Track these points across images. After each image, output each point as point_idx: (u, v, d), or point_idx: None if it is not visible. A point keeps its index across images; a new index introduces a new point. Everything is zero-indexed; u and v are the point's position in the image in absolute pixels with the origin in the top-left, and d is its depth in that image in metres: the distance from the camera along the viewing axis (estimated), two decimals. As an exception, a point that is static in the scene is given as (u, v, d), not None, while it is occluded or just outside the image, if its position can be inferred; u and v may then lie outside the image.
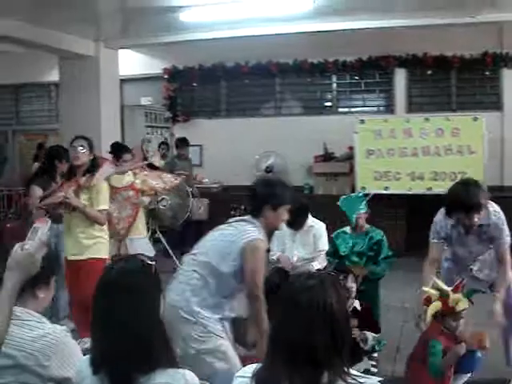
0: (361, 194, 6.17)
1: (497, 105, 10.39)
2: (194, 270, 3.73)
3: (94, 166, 5.36)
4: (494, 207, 4.45)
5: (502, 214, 4.43)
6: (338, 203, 6.17)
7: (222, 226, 3.97)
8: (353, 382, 1.95)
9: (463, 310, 4.03)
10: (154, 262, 2.34)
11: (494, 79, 10.46)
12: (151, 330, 2.18)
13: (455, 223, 4.39)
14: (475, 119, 9.30)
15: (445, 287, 4.52)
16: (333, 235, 6.06)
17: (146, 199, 7.57)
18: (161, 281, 2.35)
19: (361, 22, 9.46)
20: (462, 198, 4.17)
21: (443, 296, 4.47)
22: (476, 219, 4.18)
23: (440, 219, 4.55)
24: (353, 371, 2.00)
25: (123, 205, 7.00)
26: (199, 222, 9.59)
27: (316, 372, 1.92)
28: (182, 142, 10.27)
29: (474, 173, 9.15)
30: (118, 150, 7.37)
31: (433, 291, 4.61)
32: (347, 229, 6.02)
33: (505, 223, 4.42)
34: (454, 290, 4.51)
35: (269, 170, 10.93)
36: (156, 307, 2.26)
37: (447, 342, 4.23)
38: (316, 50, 10.67)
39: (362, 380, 1.97)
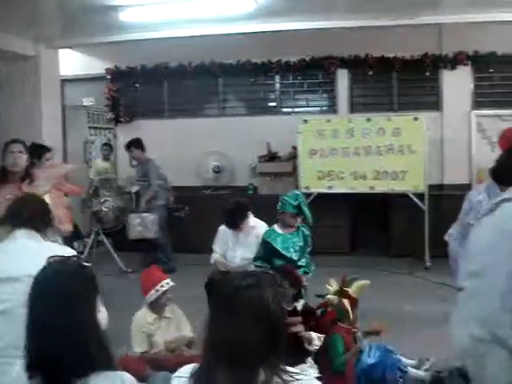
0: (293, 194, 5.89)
1: (436, 105, 10.58)
2: None
3: (28, 172, 5.22)
4: None
5: None
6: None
7: None
8: (290, 379, 1.95)
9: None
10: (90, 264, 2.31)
11: (433, 80, 10.64)
12: (86, 333, 2.15)
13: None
14: (415, 119, 9.46)
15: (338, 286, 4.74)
16: (264, 236, 5.80)
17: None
18: (97, 283, 2.33)
19: (303, 22, 9.52)
20: None
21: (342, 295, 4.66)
22: None
23: (475, 196, 4.59)
24: (290, 368, 2.00)
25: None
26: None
27: (252, 370, 1.92)
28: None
29: (414, 172, 9.38)
30: (38, 149, 7.03)
31: (330, 296, 4.76)
32: (275, 227, 5.82)
33: None
34: (343, 283, 4.73)
35: (217, 170, 10.92)
36: (92, 310, 2.23)
37: (346, 334, 4.41)
38: (259, 51, 10.68)
39: (298, 377, 1.98)
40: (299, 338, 4.45)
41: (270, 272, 2.64)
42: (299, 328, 4.48)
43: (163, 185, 9.55)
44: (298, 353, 4.39)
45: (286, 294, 4.44)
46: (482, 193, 4.51)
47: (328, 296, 4.87)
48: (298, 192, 5.85)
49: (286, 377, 1.95)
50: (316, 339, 4.50)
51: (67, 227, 5.63)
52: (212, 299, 2.06)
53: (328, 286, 4.92)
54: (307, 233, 5.79)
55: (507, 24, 9.39)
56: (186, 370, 2.08)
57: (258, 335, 1.92)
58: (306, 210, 5.72)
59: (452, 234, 5.01)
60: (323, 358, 4.62)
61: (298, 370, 2.04)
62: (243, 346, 1.91)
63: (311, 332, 4.54)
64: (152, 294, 4.67)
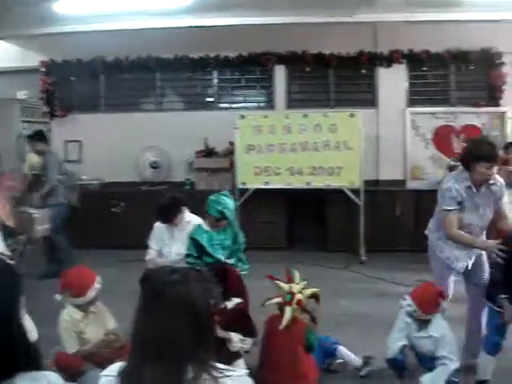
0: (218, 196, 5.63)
1: (372, 102, 10.73)
2: None
3: None
4: None
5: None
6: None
7: None
8: (219, 375, 1.94)
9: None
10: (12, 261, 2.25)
11: (369, 77, 10.79)
12: (10, 334, 2.08)
13: (469, 185, 4.73)
14: (352, 115, 9.56)
15: (286, 287, 4.76)
16: (191, 233, 5.63)
17: None
18: (21, 281, 2.26)
19: (241, 18, 9.56)
20: (488, 149, 4.68)
21: (289, 299, 4.70)
22: (494, 171, 4.69)
23: (453, 184, 4.78)
24: (220, 365, 1.99)
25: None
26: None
27: (180, 367, 1.90)
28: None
29: (350, 168, 9.50)
30: None
31: (274, 300, 4.80)
32: (203, 224, 5.67)
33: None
34: (288, 281, 4.77)
35: (154, 166, 10.82)
36: (14, 309, 2.16)
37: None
38: (197, 46, 10.60)
39: (228, 373, 1.97)
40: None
41: (199, 268, 2.63)
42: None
43: (63, 180, 8.94)
44: (226, 352, 4.40)
45: (213, 290, 4.39)
46: (449, 180, 4.85)
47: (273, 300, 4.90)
48: (225, 194, 5.69)
49: (215, 373, 1.94)
50: (236, 340, 4.48)
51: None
52: (140, 295, 2.02)
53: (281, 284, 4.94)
54: (236, 230, 5.71)
55: (441, 23, 9.61)
56: (114, 368, 2.05)
57: (186, 331, 1.91)
58: (230, 214, 5.54)
59: (430, 228, 5.17)
60: None
61: (227, 367, 2.03)
62: (170, 342, 1.90)
63: (230, 333, 4.51)
64: (90, 294, 4.56)
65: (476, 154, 4.69)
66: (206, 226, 5.57)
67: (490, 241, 4.69)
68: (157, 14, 9.28)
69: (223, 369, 1.98)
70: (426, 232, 5.27)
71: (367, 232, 9.69)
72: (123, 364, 2.01)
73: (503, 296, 4.28)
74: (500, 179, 4.90)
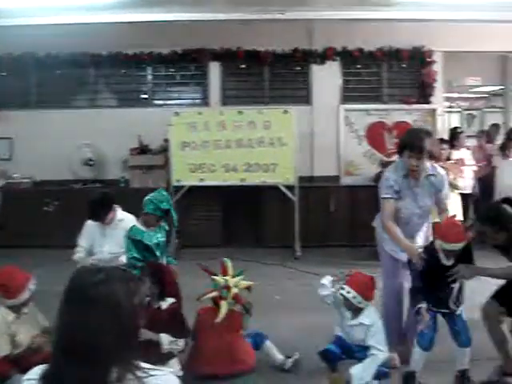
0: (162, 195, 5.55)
1: (306, 99, 10.81)
2: None
3: None
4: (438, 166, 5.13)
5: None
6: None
7: None
8: (143, 375, 1.92)
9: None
10: None
11: (303, 74, 10.88)
12: None
13: (405, 173, 4.87)
14: (286, 112, 9.60)
15: (221, 281, 4.78)
16: (131, 234, 5.45)
17: None
18: None
19: (175, 14, 9.45)
20: (413, 139, 4.82)
21: (225, 295, 4.72)
22: (423, 161, 4.79)
23: (391, 174, 4.94)
24: (145, 364, 1.97)
25: None
26: None
27: (104, 368, 1.87)
28: None
29: (285, 164, 9.54)
30: None
31: (210, 295, 4.82)
32: (138, 224, 5.53)
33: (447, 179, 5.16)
34: (223, 273, 4.80)
35: (88, 163, 10.64)
36: None
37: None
38: (131, 42, 10.46)
39: (153, 372, 1.95)
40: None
41: (123, 268, 2.58)
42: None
43: None
44: (158, 353, 4.37)
45: (138, 290, 4.33)
46: (389, 169, 5.05)
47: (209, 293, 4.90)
48: (162, 192, 5.64)
49: (139, 373, 1.91)
50: (166, 342, 4.45)
51: None
52: (62, 295, 1.98)
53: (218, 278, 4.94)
54: (167, 228, 5.66)
55: (374, 22, 9.73)
56: (36, 371, 1.99)
57: (109, 332, 1.87)
58: (174, 213, 5.58)
59: (378, 222, 5.22)
60: None
61: (153, 367, 2.00)
62: (93, 343, 1.86)
63: (161, 334, 4.48)
64: (24, 295, 4.44)
65: (403, 142, 4.90)
66: (140, 225, 5.47)
67: (415, 247, 4.74)
68: (90, 9, 9.10)
69: (148, 368, 1.96)
70: (375, 224, 5.34)
71: (302, 228, 9.76)
72: (46, 366, 1.96)
73: (423, 306, 4.40)
74: (442, 171, 5.05)
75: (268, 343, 5.06)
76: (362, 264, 5.27)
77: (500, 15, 9.14)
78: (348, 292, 4.41)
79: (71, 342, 1.89)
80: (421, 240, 5.08)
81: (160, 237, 5.45)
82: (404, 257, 4.85)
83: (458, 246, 4.35)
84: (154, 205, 5.35)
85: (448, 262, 4.43)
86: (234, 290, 4.82)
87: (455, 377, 4.59)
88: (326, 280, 4.61)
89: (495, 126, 11.33)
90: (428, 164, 4.95)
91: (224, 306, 4.76)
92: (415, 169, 4.84)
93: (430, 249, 4.53)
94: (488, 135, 11.09)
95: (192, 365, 4.74)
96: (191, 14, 9.42)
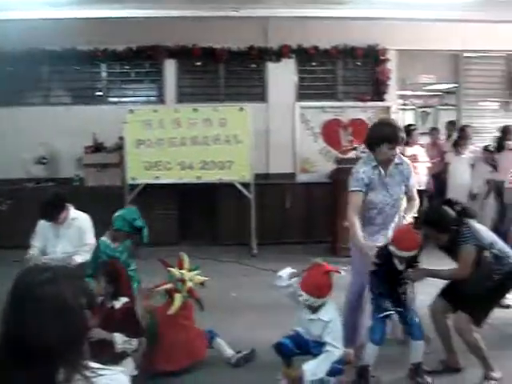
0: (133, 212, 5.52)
1: (262, 96, 10.83)
2: None
3: None
4: None
5: None
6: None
7: None
8: (92, 375, 1.89)
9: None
10: None
11: (259, 72, 10.89)
12: None
13: (375, 164, 4.93)
14: (241, 110, 9.61)
15: (177, 274, 4.79)
16: (103, 249, 5.41)
17: None
18: None
19: (130, 10, 9.40)
20: (391, 131, 4.88)
21: (179, 288, 4.72)
22: (397, 151, 4.92)
23: (361, 166, 4.99)
24: (94, 364, 1.94)
25: None
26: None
27: (51, 369, 1.84)
28: None
29: (240, 161, 9.54)
30: None
31: (164, 287, 4.82)
32: (105, 239, 5.46)
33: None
34: (179, 266, 4.81)
35: (41, 162, 10.48)
36: None
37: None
38: (85, 38, 10.28)
39: (102, 372, 1.93)
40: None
41: (69, 266, 2.55)
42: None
43: None
44: (111, 353, 4.34)
45: (85, 289, 4.27)
46: (359, 163, 5.10)
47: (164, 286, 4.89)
48: (135, 209, 5.58)
49: (88, 373, 1.88)
50: (120, 342, 4.42)
51: None
52: (8, 295, 1.94)
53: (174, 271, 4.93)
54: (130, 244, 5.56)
55: (329, 20, 9.81)
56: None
57: (56, 332, 1.84)
58: (146, 230, 5.46)
59: None
60: None
61: (103, 366, 1.98)
62: (40, 343, 1.83)
63: (115, 334, 4.44)
64: None
65: (379, 136, 4.90)
66: (107, 240, 5.42)
67: (371, 245, 4.76)
68: (44, 4, 8.98)
69: (97, 368, 1.93)
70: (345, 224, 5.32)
71: (258, 225, 9.78)
72: None
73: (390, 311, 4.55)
74: (407, 160, 5.17)
75: (218, 340, 5.07)
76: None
77: (453, 14, 9.31)
78: (300, 295, 4.42)
79: (18, 341, 1.85)
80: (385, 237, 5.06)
81: (123, 250, 5.39)
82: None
83: (412, 253, 4.48)
84: (126, 222, 5.29)
85: (401, 267, 4.56)
86: (189, 284, 4.83)
87: (409, 370, 4.69)
88: (284, 272, 4.61)
89: (451, 124, 11.51)
90: None
91: (178, 299, 4.78)
92: (392, 158, 4.94)
93: (384, 251, 4.58)
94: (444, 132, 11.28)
95: (150, 363, 4.72)
96: (146, 11, 9.37)
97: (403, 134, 4.97)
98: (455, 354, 4.87)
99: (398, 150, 4.94)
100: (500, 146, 9.57)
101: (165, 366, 4.70)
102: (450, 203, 4.68)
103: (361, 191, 4.89)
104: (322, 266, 4.49)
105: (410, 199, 5.16)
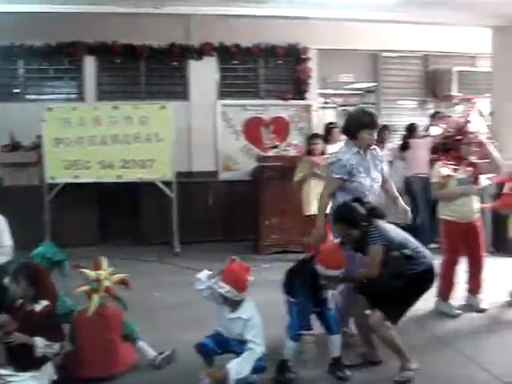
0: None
1: (184, 94, 10.80)
2: None
3: None
4: None
5: None
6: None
7: None
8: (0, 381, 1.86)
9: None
10: None
11: (181, 70, 10.85)
12: None
13: (357, 150, 5.19)
14: (162, 108, 9.53)
15: (92, 274, 4.74)
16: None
17: None
18: None
19: (48, 5, 9.13)
20: (369, 118, 5.23)
21: (95, 288, 4.67)
22: (375, 136, 5.22)
23: (343, 154, 5.24)
24: (3, 371, 1.91)
25: None
26: None
27: None
28: None
29: (162, 160, 9.50)
30: None
31: (81, 288, 4.76)
32: None
33: None
34: (95, 268, 4.76)
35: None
36: None
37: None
38: (1, 33, 9.99)
39: (11, 378, 1.89)
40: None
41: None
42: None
43: None
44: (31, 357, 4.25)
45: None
46: (341, 151, 5.38)
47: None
48: (52, 244, 5.48)
49: None
50: (40, 346, 4.33)
51: None
52: None
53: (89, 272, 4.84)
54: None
55: (251, 18, 9.84)
56: None
57: None
58: (67, 263, 5.34)
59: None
60: None
61: (11, 373, 1.94)
62: None
63: (35, 337, 4.35)
64: None
65: (359, 123, 5.21)
66: None
67: (320, 234, 5.16)
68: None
69: (6, 375, 1.90)
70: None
71: (181, 224, 9.73)
72: None
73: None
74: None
75: (140, 343, 5.03)
76: (241, 258, 5.27)
77: (372, 15, 9.45)
78: (221, 287, 4.44)
79: None
80: None
81: None
82: None
83: (337, 273, 4.57)
84: (45, 259, 5.18)
85: (323, 281, 4.67)
86: (106, 283, 4.75)
87: (329, 364, 4.77)
88: (203, 274, 4.62)
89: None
90: None
91: (95, 299, 4.68)
92: (372, 144, 5.27)
93: (308, 267, 4.68)
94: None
95: (70, 368, 4.61)
96: (65, 6, 9.14)
97: (379, 120, 5.37)
98: (375, 348, 4.99)
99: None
100: (405, 143, 9.87)
101: (85, 373, 4.58)
102: (360, 202, 4.82)
103: (341, 179, 5.13)
104: (242, 262, 4.57)
105: (384, 181, 5.47)
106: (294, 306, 4.69)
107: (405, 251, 4.64)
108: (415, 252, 4.69)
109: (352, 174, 5.13)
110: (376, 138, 5.27)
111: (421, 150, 9.17)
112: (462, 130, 6.30)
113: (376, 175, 5.31)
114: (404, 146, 9.91)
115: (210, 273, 4.60)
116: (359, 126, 5.20)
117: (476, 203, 6.35)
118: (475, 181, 6.30)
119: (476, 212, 6.30)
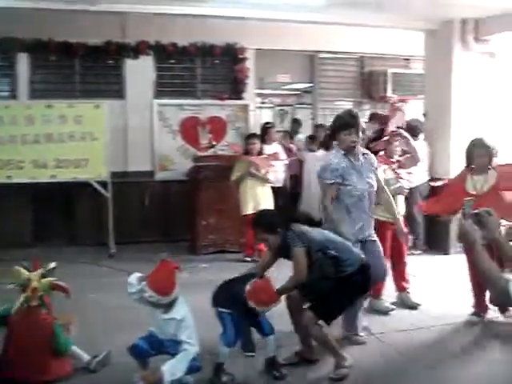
0: None
1: (120, 93, 10.66)
2: None
3: None
4: None
5: None
6: None
7: None
8: None
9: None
10: None
11: (117, 68, 10.70)
12: None
13: (344, 153, 5.25)
14: (97, 106, 9.45)
15: (24, 274, 4.67)
16: None
17: None
18: None
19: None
20: (345, 118, 5.30)
21: (24, 284, 4.60)
22: (358, 137, 5.22)
23: (332, 158, 5.31)
24: None
25: None
26: None
27: None
28: None
29: (97, 159, 9.40)
30: None
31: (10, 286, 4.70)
32: None
33: None
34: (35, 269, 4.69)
35: None
36: None
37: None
38: None
39: None
40: None
41: None
42: None
43: None
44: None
45: None
46: (331, 156, 5.44)
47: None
48: None
49: None
50: None
51: None
52: None
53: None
54: None
55: (188, 17, 9.79)
56: None
57: None
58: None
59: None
60: None
61: None
62: None
63: None
64: None
65: (336, 125, 5.32)
66: None
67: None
68: None
69: None
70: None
71: (116, 224, 9.63)
72: None
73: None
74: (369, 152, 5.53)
75: (73, 348, 4.95)
76: (178, 259, 5.26)
77: (309, 16, 9.52)
78: (145, 292, 4.41)
79: None
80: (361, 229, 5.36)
81: None
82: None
83: (269, 308, 4.67)
84: None
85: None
86: (35, 284, 4.67)
87: (265, 365, 4.84)
88: (133, 278, 4.58)
89: (296, 122, 11.86)
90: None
91: (21, 299, 4.64)
92: (354, 144, 5.23)
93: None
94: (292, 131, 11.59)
95: (2, 369, 4.57)
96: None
97: (359, 121, 5.31)
98: (311, 346, 5.06)
99: (356, 136, 5.23)
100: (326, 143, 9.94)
101: (16, 374, 4.53)
102: (281, 208, 4.91)
103: (335, 183, 5.17)
104: (169, 264, 4.53)
105: (379, 191, 5.52)
106: (228, 316, 4.72)
107: (330, 252, 4.70)
108: (342, 253, 4.75)
109: (344, 178, 5.18)
110: (356, 139, 5.25)
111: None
112: (384, 129, 6.48)
113: (370, 180, 5.34)
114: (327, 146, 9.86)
115: (142, 275, 4.57)
116: (338, 127, 5.30)
117: (399, 202, 6.52)
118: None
119: (399, 211, 6.41)
